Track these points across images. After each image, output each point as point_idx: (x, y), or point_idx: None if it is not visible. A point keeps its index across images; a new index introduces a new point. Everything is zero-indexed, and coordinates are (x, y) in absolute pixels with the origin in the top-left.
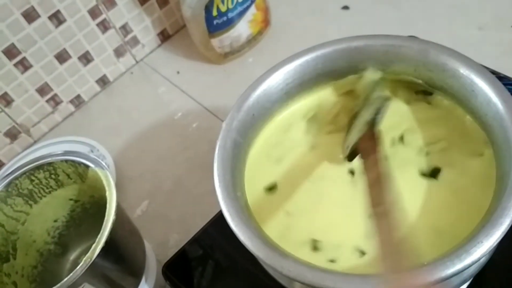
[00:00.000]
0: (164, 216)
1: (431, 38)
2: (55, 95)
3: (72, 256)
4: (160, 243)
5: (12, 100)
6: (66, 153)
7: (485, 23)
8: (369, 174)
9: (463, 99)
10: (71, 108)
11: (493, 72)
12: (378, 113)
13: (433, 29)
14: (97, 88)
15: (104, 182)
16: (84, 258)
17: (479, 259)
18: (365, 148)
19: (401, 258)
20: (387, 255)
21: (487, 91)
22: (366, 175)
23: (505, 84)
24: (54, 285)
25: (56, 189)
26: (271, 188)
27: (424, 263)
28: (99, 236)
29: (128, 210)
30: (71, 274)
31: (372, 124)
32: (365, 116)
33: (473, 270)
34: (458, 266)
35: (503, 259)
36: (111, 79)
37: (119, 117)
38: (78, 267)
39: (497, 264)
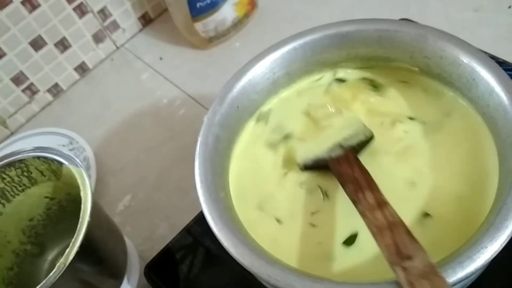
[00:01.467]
0: (148, 211)
1: (425, 21)
2: (32, 84)
3: (50, 256)
4: (145, 239)
5: None
6: (38, 149)
7: (480, 5)
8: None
9: (463, 88)
10: (49, 97)
11: (492, 57)
12: (357, 145)
13: (427, 11)
14: (76, 76)
15: (79, 181)
16: (59, 263)
17: (483, 265)
18: (342, 174)
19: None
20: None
21: (489, 80)
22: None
23: (504, 70)
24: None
25: (29, 187)
26: None
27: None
28: (73, 239)
29: (109, 205)
30: (44, 281)
31: (349, 150)
32: (340, 136)
33: (474, 276)
34: (460, 274)
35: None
36: (90, 66)
37: (100, 106)
38: (52, 273)
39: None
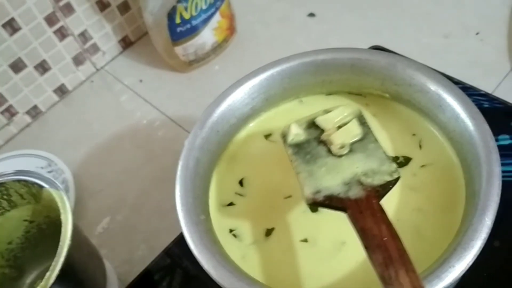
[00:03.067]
0: (127, 233)
1: (397, 47)
2: (10, 106)
3: (29, 280)
4: (124, 261)
5: None
6: (19, 172)
7: (450, 32)
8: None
9: (431, 114)
10: (28, 119)
11: (459, 82)
12: (380, 186)
13: (399, 37)
14: (55, 97)
15: (59, 204)
16: (39, 287)
17: (451, 284)
18: (365, 229)
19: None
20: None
21: (455, 107)
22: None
23: (470, 95)
24: None
25: (9, 210)
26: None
27: None
28: (53, 263)
29: (88, 227)
30: None
31: (371, 192)
32: (359, 168)
33: None
34: None
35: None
36: (70, 88)
37: (79, 128)
38: None
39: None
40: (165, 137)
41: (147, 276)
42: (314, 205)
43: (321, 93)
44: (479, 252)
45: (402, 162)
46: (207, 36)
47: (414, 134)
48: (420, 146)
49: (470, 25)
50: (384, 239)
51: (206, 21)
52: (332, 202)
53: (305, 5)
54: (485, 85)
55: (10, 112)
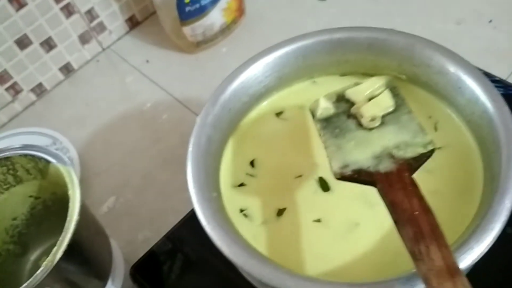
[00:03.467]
0: (132, 213)
1: (409, 32)
2: (15, 83)
3: (33, 256)
4: (128, 242)
5: None
6: (25, 147)
7: (463, 18)
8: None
9: (448, 96)
10: (33, 97)
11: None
12: (413, 159)
13: (411, 23)
14: (61, 76)
15: (67, 179)
16: (45, 262)
17: (470, 266)
18: (395, 203)
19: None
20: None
21: (475, 89)
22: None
23: None
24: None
25: (14, 185)
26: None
27: (412, 270)
28: (60, 238)
29: (93, 207)
30: (31, 279)
31: (402, 165)
32: (391, 141)
33: None
34: None
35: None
36: (75, 67)
37: (84, 108)
38: (38, 271)
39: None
40: (171, 118)
41: (153, 255)
42: (343, 180)
43: (335, 73)
44: (498, 234)
45: None
46: (216, 17)
47: (430, 117)
48: (435, 128)
49: (484, 12)
50: (415, 213)
51: (215, 1)
52: (361, 176)
53: None
54: (498, 72)
55: (15, 89)
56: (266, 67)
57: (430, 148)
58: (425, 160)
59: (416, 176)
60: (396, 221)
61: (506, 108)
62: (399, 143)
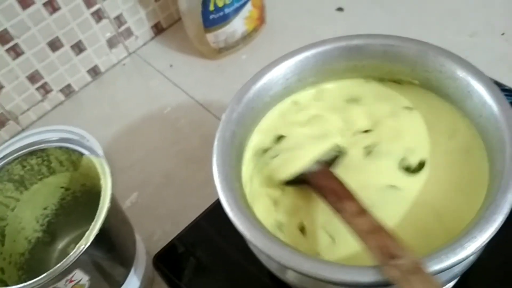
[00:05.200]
0: (153, 209)
1: None
2: (46, 83)
3: (60, 245)
4: (149, 236)
5: (2, 87)
6: (61, 140)
7: (476, 31)
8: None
9: (458, 100)
10: (61, 97)
11: None
12: (330, 160)
13: (425, 33)
14: (88, 78)
15: (99, 170)
16: (78, 245)
17: (472, 253)
18: (321, 186)
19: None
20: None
21: (482, 93)
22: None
23: None
24: (41, 273)
25: (47, 176)
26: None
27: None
28: (93, 223)
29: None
30: (64, 260)
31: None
32: (317, 152)
33: (463, 266)
34: (453, 259)
35: (490, 260)
36: (102, 69)
37: (109, 108)
38: (71, 253)
39: (483, 265)
40: (192, 121)
41: (175, 246)
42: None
43: (352, 77)
44: (500, 225)
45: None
46: (238, 25)
47: (439, 119)
48: (448, 131)
49: (497, 25)
50: (334, 186)
51: (238, 10)
52: (299, 178)
53: None
54: (510, 82)
55: (45, 89)
56: (288, 70)
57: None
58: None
59: (428, 172)
60: (323, 196)
61: (511, 111)
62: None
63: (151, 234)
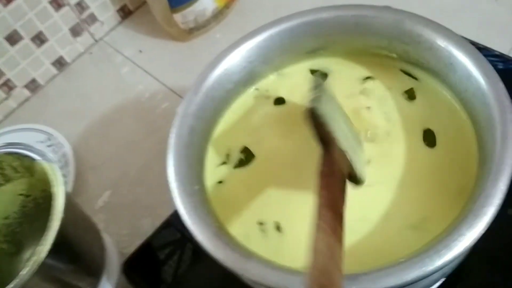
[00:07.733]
0: (129, 206)
1: (407, 7)
2: (8, 80)
3: (27, 255)
4: (126, 235)
5: None
6: (9, 145)
7: None
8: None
9: (441, 74)
10: (27, 93)
11: (472, 43)
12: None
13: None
14: (54, 70)
15: (51, 177)
16: (31, 262)
17: (460, 254)
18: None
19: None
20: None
21: (467, 65)
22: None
23: (484, 56)
24: None
25: (3, 184)
26: None
27: (400, 260)
28: (44, 237)
29: (89, 201)
30: (16, 278)
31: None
32: None
33: (451, 267)
34: (438, 263)
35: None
36: (68, 60)
37: (79, 101)
38: (24, 271)
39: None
40: (167, 109)
41: (146, 249)
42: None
43: (323, 56)
44: (491, 220)
45: None
46: (207, 2)
47: (422, 95)
48: (428, 107)
49: None
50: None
51: None
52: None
53: None
54: (500, 47)
55: (8, 86)
56: (250, 52)
57: None
58: None
59: (412, 155)
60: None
61: (500, 84)
62: None
63: (127, 235)
